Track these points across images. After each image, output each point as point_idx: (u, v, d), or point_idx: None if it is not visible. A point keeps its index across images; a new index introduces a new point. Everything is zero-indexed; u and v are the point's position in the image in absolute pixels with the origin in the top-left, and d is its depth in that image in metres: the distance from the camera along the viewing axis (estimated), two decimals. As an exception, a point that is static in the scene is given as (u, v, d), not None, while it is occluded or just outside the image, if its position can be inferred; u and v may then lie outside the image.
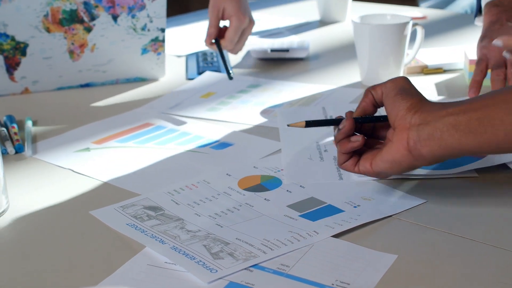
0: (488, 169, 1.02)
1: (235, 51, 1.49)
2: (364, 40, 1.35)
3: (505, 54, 1.20)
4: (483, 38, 1.31)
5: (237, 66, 1.55)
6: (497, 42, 1.17)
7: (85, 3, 1.35)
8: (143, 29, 1.40)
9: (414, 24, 1.38)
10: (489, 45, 1.27)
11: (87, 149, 1.14)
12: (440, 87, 1.37)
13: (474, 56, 1.38)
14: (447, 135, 0.85)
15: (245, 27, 1.46)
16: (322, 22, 1.91)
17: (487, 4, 1.37)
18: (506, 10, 1.32)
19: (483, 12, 1.38)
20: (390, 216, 0.91)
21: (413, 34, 1.40)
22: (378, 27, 1.34)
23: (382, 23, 1.36)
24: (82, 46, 1.38)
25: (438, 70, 1.46)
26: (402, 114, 0.88)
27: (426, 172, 1.01)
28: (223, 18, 1.47)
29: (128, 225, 0.90)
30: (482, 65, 1.26)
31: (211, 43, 1.47)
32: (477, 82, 1.24)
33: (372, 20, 1.38)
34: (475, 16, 1.44)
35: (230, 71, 1.41)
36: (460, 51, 1.50)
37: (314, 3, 1.98)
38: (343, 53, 1.62)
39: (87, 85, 1.43)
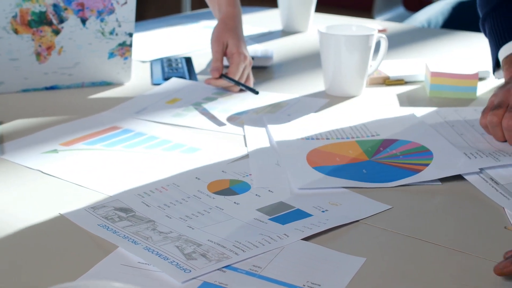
0: (451, 178, 1.05)
1: (237, 89, 1.45)
2: (330, 50, 1.38)
3: None
4: (506, 83, 1.24)
5: (203, 73, 1.57)
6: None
7: (55, 6, 1.35)
8: (111, 33, 1.41)
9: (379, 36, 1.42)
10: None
11: (55, 150, 1.15)
12: (402, 98, 1.41)
13: (435, 68, 1.42)
14: None
15: (246, 65, 1.44)
16: (285, 32, 1.93)
17: (505, 59, 1.33)
18: None
19: (502, 68, 1.34)
20: (357, 221, 0.93)
21: (376, 46, 1.43)
22: (344, 38, 1.37)
23: (348, 33, 1.39)
24: (50, 48, 1.38)
25: (399, 82, 1.49)
26: None
27: (367, 186, 1.03)
28: (225, 54, 1.45)
29: (99, 226, 0.91)
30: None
31: (217, 78, 1.43)
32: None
33: (338, 31, 1.41)
34: (494, 71, 1.40)
35: (253, 88, 1.40)
36: (421, 63, 1.54)
37: (276, 13, 2.00)
38: (307, 62, 1.65)
39: (52, 88, 1.43)
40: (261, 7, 2.29)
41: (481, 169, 1.06)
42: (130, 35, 1.43)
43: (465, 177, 1.05)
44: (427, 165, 1.08)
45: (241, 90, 1.43)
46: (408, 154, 1.12)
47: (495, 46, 1.37)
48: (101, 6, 1.38)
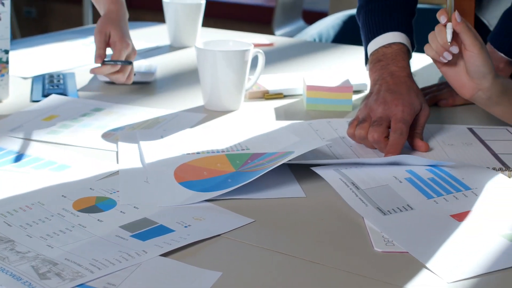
0: (316, 190, 1.07)
1: (126, 80, 1.52)
2: (207, 65, 1.39)
3: None
4: (368, 97, 1.29)
5: (83, 89, 1.55)
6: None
7: None
8: (-15, 50, 1.38)
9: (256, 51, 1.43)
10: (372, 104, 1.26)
11: None
12: (279, 112, 1.43)
13: (311, 82, 1.44)
14: None
15: (129, 53, 1.50)
16: (173, 47, 1.94)
17: (372, 57, 1.37)
18: (388, 64, 1.32)
19: (369, 63, 1.38)
20: (219, 235, 0.94)
21: (256, 61, 1.45)
22: (220, 53, 1.38)
23: (224, 49, 1.40)
24: None
25: (278, 95, 1.52)
26: None
27: (230, 189, 1.05)
28: (108, 45, 1.50)
29: (-45, 248, 0.89)
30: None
31: (101, 65, 1.48)
32: None
33: (215, 46, 1.42)
34: (366, 63, 1.44)
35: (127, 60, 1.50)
36: (300, 77, 1.57)
37: (165, 28, 2.00)
38: (190, 77, 1.65)
39: None
40: (152, 22, 2.29)
41: (337, 166, 1.10)
42: (6, 52, 1.40)
43: (328, 180, 1.07)
44: (287, 156, 1.11)
45: (133, 83, 1.53)
46: (273, 159, 1.13)
47: (366, 40, 1.42)
48: (-27, 23, 1.36)
